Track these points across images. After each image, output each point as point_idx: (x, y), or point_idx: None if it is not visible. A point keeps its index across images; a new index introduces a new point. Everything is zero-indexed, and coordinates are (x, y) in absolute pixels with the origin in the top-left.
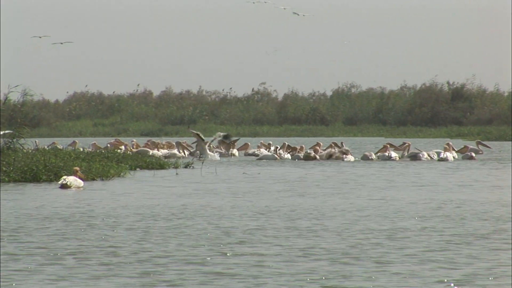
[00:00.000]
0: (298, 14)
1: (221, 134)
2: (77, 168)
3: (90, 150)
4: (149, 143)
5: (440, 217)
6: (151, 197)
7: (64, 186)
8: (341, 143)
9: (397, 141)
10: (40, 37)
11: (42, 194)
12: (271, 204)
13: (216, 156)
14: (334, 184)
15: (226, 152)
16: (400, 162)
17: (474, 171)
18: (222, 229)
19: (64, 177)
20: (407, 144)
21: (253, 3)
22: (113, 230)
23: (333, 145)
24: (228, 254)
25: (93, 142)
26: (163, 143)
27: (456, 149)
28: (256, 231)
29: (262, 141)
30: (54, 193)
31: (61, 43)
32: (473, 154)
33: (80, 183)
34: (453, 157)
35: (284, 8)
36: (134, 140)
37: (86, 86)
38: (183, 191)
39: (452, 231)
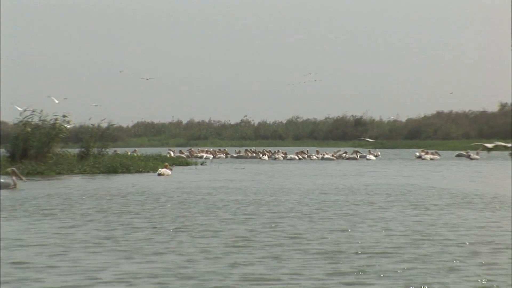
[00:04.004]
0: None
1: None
2: (167, 164)
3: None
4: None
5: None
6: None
7: (160, 174)
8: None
9: (326, 150)
10: (120, 72)
11: (148, 180)
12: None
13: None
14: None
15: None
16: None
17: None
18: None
19: (160, 169)
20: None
21: (292, 85)
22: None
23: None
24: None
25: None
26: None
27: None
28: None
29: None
30: (156, 179)
31: (147, 79)
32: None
33: (169, 172)
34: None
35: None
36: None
37: (142, 118)
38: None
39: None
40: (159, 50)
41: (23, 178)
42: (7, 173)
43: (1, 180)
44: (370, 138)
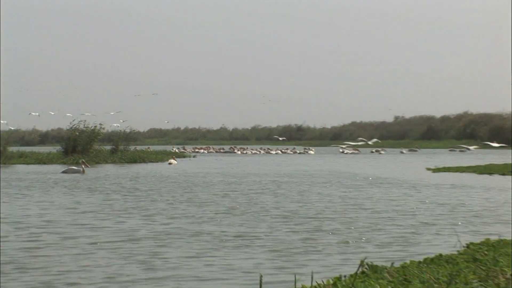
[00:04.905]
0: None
1: None
2: (174, 157)
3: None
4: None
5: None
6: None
7: (170, 164)
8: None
9: (280, 147)
10: (138, 95)
11: (161, 168)
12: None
13: None
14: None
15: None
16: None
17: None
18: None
19: (169, 159)
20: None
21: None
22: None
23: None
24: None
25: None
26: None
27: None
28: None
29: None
30: (167, 167)
31: (156, 94)
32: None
33: (176, 162)
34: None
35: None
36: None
37: (153, 126)
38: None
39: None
40: (167, 74)
41: (88, 166)
42: (78, 163)
43: (75, 168)
44: (309, 139)
